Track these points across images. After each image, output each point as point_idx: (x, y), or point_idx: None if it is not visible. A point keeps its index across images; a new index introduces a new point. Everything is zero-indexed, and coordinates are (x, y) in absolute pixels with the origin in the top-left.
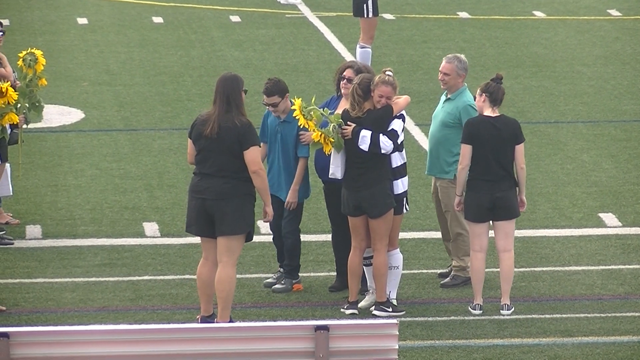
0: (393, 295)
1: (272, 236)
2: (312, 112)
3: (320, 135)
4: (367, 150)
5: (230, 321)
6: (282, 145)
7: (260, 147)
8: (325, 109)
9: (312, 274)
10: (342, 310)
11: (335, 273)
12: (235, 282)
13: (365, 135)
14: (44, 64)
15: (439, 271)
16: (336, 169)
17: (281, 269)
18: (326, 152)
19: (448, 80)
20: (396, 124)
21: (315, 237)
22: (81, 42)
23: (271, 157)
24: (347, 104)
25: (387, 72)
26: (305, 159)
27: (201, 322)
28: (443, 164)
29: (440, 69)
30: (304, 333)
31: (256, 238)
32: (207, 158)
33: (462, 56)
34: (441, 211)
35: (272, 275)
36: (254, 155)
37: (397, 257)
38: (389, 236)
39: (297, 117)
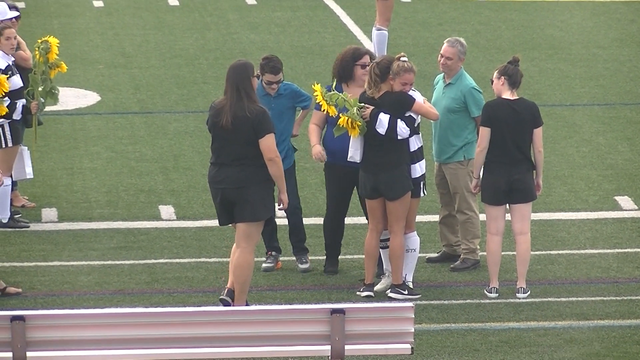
0: (409, 278)
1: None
2: (333, 97)
3: (347, 120)
4: (383, 134)
5: (247, 305)
6: (277, 118)
7: (274, 134)
8: (345, 93)
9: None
10: (357, 293)
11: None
12: (253, 268)
13: (383, 119)
14: (57, 53)
15: (427, 256)
16: (355, 152)
17: (273, 253)
18: (353, 136)
19: (450, 64)
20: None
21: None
22: (97, 24)
23: None
24: (359, 90)
25: (402, 59)
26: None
27: (227, 294)
28: (452, 148)
29: (442, 52)
30: (320, 316)
31: None
32: (223, 147)
33: (463, 40)
34: (445, 195)
35: (265, 259)
36: (269, 143)
37: (414, 239)
38: (407, 219)
39: (320, 103)
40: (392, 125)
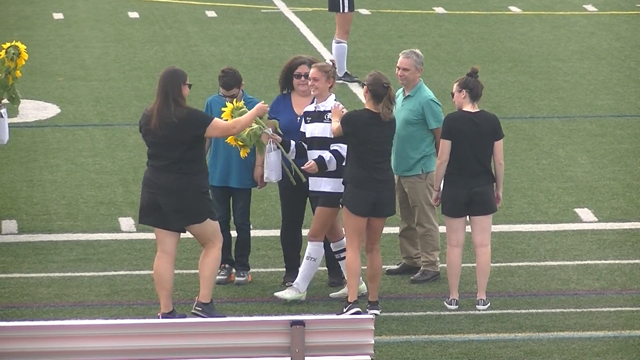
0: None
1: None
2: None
3: (234, 139)
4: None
5: (211, 303)
6: None
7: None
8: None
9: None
10: (344, 311)
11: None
12: (219, 262)
13: (331, 160)
14: (26, 58)
15: (387, 267)
16: (270, 173)
17: (226, 265)
18: (242, 157)
19: (408, 75)
20: None
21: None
22: (56, 37)
23: (219, 146)
24: (302, 100)
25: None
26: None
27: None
28: (410, 161)
29: (398, 64)
30: (280, 328)
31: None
32: (156, 152)
33: (418, 51)
34: (405, 208)
35: (218, 271)
36: (218, 125)
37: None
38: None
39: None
40: (336, 158)
